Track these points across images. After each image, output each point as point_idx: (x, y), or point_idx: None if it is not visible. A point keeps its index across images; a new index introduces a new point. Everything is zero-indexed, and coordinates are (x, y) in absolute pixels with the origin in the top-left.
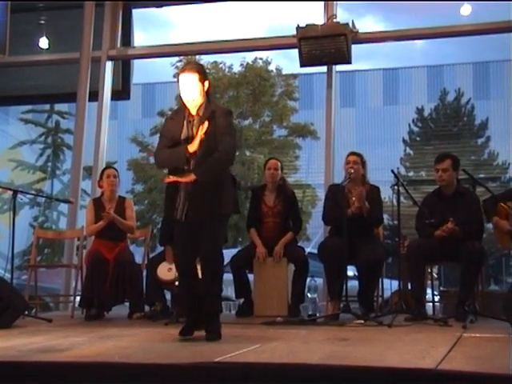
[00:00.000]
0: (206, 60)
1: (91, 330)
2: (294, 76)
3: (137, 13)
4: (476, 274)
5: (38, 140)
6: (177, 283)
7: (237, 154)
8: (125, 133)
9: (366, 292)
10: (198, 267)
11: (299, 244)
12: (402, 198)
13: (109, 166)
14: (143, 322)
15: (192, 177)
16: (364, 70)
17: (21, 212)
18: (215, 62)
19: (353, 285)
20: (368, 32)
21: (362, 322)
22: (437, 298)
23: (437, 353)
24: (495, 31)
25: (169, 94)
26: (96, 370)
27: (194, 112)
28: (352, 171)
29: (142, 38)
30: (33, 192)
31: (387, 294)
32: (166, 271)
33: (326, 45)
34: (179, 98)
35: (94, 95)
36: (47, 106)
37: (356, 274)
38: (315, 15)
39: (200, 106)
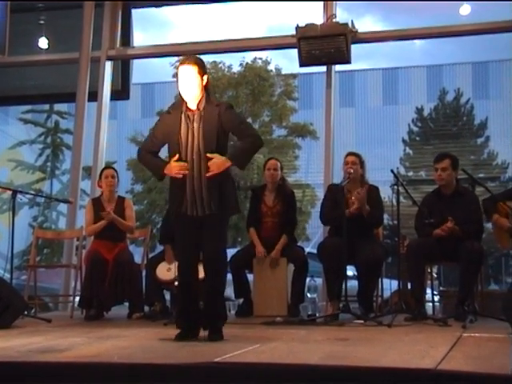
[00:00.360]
0: (205, 60)
1: (90, 330)
2: (294, 76)
3: (136, 13)
4: (475, 273)
5: (38, 140)
6: (176, 283)
7: None
8: (124, 133)
9: (366, 292)
10: (200, 268)
11: (299, 244)
12: (401, 198)
13: (108, 166)
14: (142, 322)
15: (228, 163)
16: (363, 70)
17: (20, 212)
18: (214, 61)
19: (352, 285)
20: (367, 32)
21: (362, 321)
22: (436, 298)
23: (436, 353)
24: (494, 31)
25: (168, 93)
26: (95, 370)
27: (193, 106)
28: (351, 171)
29: (141, 37)
30: (32, 192)
31: (387, 293)
32: (166, 271)
33: (325, 45)
34: (179, 95)
35: (94, 95)
36: (47, 106)
37: (355, 273)
38: (314, 15)
39: (200, 100)
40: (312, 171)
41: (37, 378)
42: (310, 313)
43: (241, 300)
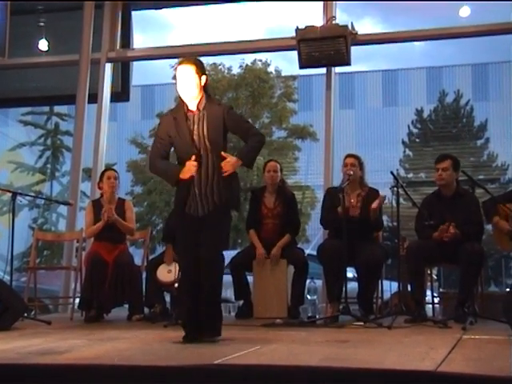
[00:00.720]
0: (205, 62)
1: (90, 332)
2: (294, 78)
3: (136, 15)
4: (475, 275)
5: (38, 142)
6: (176, 285)
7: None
8: (124, 134)
9: (366, 294)
10: None
11: (299, 246)
12: (401, 200)
13: (109, 167)
14: (142, 324)
15: (239, 162)
16: (363, 72)
17: (20, 214)
18: (214, 63)
19: (352, 286)
20: (367, 34)
21: (362, 323)
22: (436, 300)
23: (436, 355)
24: (494, 33)
25: (168, 95)
26: (95, 372)
27: (193, 107)
28: (351, 173)
29: (141, 39)
30: (32, 194)
31: (387, 295)
32: (166, 273)
33: (325, 46)
34: (178, 98)
35: (94, 97)
36: (47, 108)
37: (355, 275)
38: (314, 17)
39: (200, 101)
40: (312, 173)
41: (37, 380)
42: (309, 315)
43: (241, 302)
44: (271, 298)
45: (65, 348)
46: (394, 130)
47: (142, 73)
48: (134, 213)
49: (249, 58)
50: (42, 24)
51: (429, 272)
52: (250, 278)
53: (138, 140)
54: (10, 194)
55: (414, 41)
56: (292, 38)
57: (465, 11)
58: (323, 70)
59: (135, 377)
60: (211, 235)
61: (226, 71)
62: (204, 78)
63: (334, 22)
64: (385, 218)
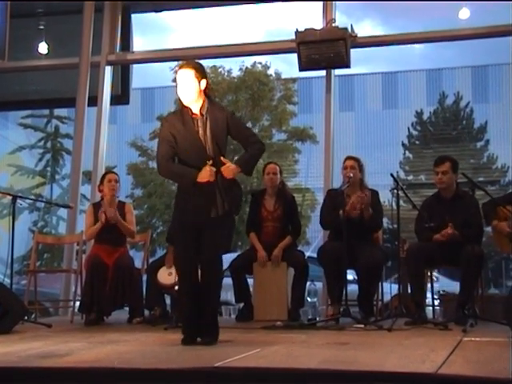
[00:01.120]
0: (204, 64)
1: (91, 335)
2: (293, 80)
3: (136, 17)
4: (476, 277)
5: (38, 145)
6: (176, 287)
7: (236, 158)
8: (124, 137)
9: (366, 296)
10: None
11: (299, 248)
12: (401, 202)
13: (110, 170)
14: (143, 327)
15: (238, 169)
16: (363, 74)
17: (20, 217)
18: (214, 66)
19: (352, 289)
20: (367, 36)
21: (362, 326)
22: (437, 302)
23: (437, 357)
24: (494, 35)
25: (168, 98)
26: (95, 375)
27: (196, 111)
28: (351, 175)
29: (141, 42)
30: (32, 197)
31: (387, 297)
32: (167, 275)
33: (324, 49)
34: (178, 101)
35: (94, 100)
36: (46, 111)
37: (356, 277)
38: (314, 19)
39: (202, 105)
40: (312, 175)
41: (37, 383)
42: (310, 317)
43: (241, 304)
44: (271, 300)
45: (65, 351)
46: (394, 132)
47: (141, 76)
48: (134, 215)
49: (249, 61)
50: (41, 27)
51: (429, 274)
52: (250, 281)
53: (138, 143)
54: (10, 197)
55: (414, 43)
56: (292, 40)
57: (464, 13)
58: (323, 73)
59: (135, 380)
60: (211, 238)
61: (226, 74)
62: (204, 82)
63: (333, 24)
64: (385, 220)
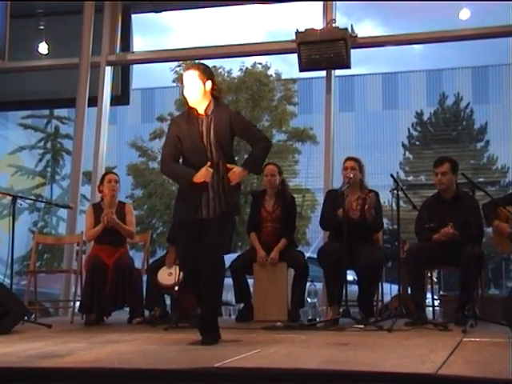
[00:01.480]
0: None
1: (91, 336)
2: (293, 81)
3: (136, 18)
4: (476, 278)
5: (38, 145)
6: (177, 288)
7: (236, 158)
8: (124, 138)
9: (366, 297)
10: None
11: (299, 249)
12: (401, 203)
13: (110, 171)
14: (143, 327)
15: (245, 172)
16: (363, 75)
17: (20, 217)
18: (214, 66)
19: (353, 289)
20: (367, 36)
21: (362, 326)
22: (437, 303)
23: (437, 357)
24: (494, 35)
25: (168, 98)
26: (96, 375)
27: (201, 111)
28: (351, 176)
29: (141, 43)
30: (32, 197)
31: (387, 298)
32: (167, 276)
33: (325, 49)
34: (179, 102)
35: (94, 100)
36: (46, 112)
37: (356, 278)
38: (314, 20)
39: (207, 106)
40: (312, 176)
41: (37, 383)
42: (310, 317)
43: (241, 305)
44: (271, 300)
45: (65, 351)
46: (394, 133)
47: (141, 76)
48: (134, 216)
49: (249, 61)
50: (42, 27)
51: (429, 275)
52: (250, 281)
53: (138, 143)
54: (10, 198)
55: (414, 43)
56: (292, 40)
57: (465, 14)
58: (323, 73)
59: (135, 380)
60: (212, 239)
61: (226, 74)
62: (209, 83)
63: (333, 24)
64: (385, 220)
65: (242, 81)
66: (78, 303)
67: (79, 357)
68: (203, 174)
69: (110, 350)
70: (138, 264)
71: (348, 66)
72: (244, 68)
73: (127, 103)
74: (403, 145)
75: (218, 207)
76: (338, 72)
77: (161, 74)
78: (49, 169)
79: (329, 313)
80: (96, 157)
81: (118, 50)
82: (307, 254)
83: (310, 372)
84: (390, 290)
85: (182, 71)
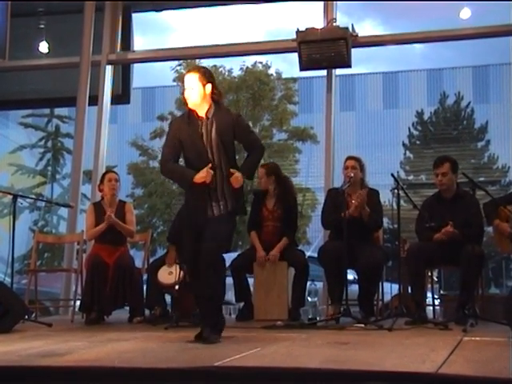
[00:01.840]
0: (205, 64)
1: (91, 335)
2: (294, 80)
3: (136, 17)
4: (476, 277)
5: (38, 144)
6: (177, 287)
7: (237, 157)
8: (125, 137)
9: (366, 296)
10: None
11: (299, 248)
12: (401, 202)
13: (110, 170)
14: (143, 326)
15: (240, 178)
16: (364, 74)
17: (21, 216)
18: (215, 65)
19: (353, 289)
20: (368, 36)
21: (363, 325)
22: (437, 302)
23: (437, 356)
24: (495, 35)
25: (169, 97)
26: (96, 374)
27: (201, 114)
28: (352, 175)
29: (141, 42)
30: (33, 196)
31: (387, 297)
32: (167, 275)
33: (325, 48)
34: (179, 101)
35: (94, 99)
36: (47, 111)
37: (356, 277)
38: (315, 19)
39: (208, 109)
40: (312, 175)
41: (37, 382)
42: (310, 316)
43: (241, 304)
44: (272, 299)
45: (65, 350)
46: (395, 132)
47: (142, 75)
48: (134, 215)
49: (249, 61)
50: (42, 26)
51: (429, 274)
52: (250, 280)
53: (138, 142)
54: (10, 197)
55: (415, 43)
56: (293, 40)
57: (465, 13)
58: (324, 72)
59: (136, 379)
60: (212, 236)
61: (227, 73)
62: (209, 86)
63: (334, 23)
64: (385, 219)
65: (242, 80)
66: (78, 302)
67: (79, 356)
68: (203, 175)
69: (111, 348)
70: (138, 263)
71: (348, 65)
72: (244, 67)
73: (128, 102)
74: (404, 144)
75: (224, 208)
76: (338, 71)
77: (161, 73)
78: (49, 168)
79: (329, 312)
80: (96, 156)
81: (118, 49)
82: (308, 253)
83: (310, 371)
84: (390, 290)
85: (182, 70)
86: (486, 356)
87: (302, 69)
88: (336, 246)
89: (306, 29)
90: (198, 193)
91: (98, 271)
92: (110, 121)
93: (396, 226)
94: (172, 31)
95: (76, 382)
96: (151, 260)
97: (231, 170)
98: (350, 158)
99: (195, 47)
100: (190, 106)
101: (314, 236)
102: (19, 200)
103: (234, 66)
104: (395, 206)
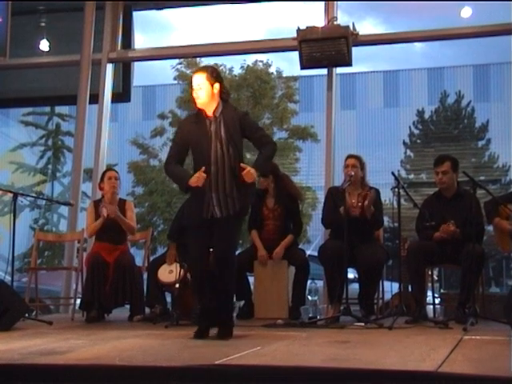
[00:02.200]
0: (205, 62)
1: (91, 333)
2: (295, 78)
3: (137, 15)
4: (476, 276)
5: (39, 142)
6: (177, 285)
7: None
8: (125, 135)
9: (367, 294)
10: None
11: (300, 246)
12: (402, 201)
13: (110, 168)
14: (143, 325)
15: (253, 172)
16: (364, 73)
17: (21, 214)
18: (216, 64)
19: (353, 287)
20: (368, 34)
21: (363, 324)
22: (437, 301)
23: (437, 355)
24: (495, 33)
25: (169, 96)
26: (96, 372)
27: (209, 113)
28: (352, 174)
29: (142, 40)
30: (33, 194)
31: (388, 296)
32: (167, 273)
33: (326, 47)
34: (180, 99)
35: (95, 98)
36: (48, 109)
37: (356, 276)
38: (315, 18)
39: (216, 108)
40: (313, 174)
41: (38, 380)
42: (310, 315)
43: (242, 302)
44: (272, 298)
45: (66, 348)
46: (395, 131)
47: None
48: (134, 213)
49: (250, 59)
50: (43, 24)
51: (429, 273)
52: (250, 279)
53: (139, 141)
54: (11, 195)
55: (416, 41)
56: (293, 38)
57: (466, 12)
58: (324, 71)
59: (136, 377)
60: (224, 238)
61: (227, 72)
62: (217, 85)
63: (335, 22)
64: (386, 218)
65: (243, 78)
66: (78, 300)
67: (80, 354)
68: (195, 180)
69: (111, 347)
70: (138, 261)
71: (349, 64)
72: (245, 66)
73: (128, 100)
74: (404, 143)
75: (232, 207)
76: (339, 70)
77: (162, 72)
78: (50, 166)
79: (329, 311)
80: (97, 154)
81: (119, 47)
82: (308, 252)
83: (310, 370)
84: (390, 288)
85: (183, 69)
86: (486, 355)
87: (302, 67)
88: (336, 244)
89: (307, 27)
90: (201, 194)
91: (99, 269)
92: (111, 119)
93: (396, 224)
94: (173, 29)
95: (76, 380)
96: (151, 258)
97: (242, 165)
98: (350, 156)
99: (196, 45)
100: (199, 105)
101: (315, 235)
102: (20, 198)
103: (234, 65)
104: (396, 205)
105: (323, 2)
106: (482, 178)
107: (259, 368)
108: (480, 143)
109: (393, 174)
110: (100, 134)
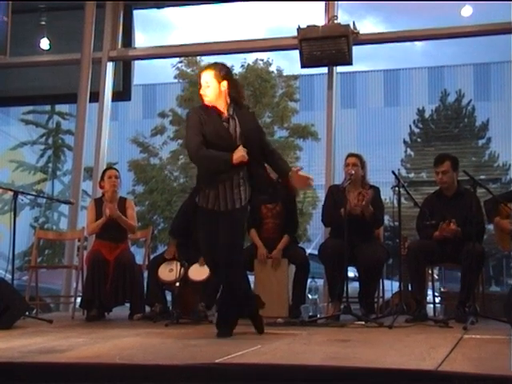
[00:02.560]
0: (206, 61)
1: (92, 331)
2: (295, 77)
3: (138, 14)
4: (476, 275)
5: (39, 141)
6: (177, 284)
7: None
8: (126, 134)
9: (367, 293)
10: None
11: (300, 245)
12: (402, 199)
13: (110, 166)
14: (144, 323)
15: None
16: (365, 71)
17: (21, 213)
18: (216, 63)
19: (353, 286)
20: (369, 33)
21: (363, 323)
22: (437, 300)
23: (437, 354)
24: (496, 32)
25: (170, 94)
26: (96, 370)
27: (223, 111)
28: (352, 172)
29: (142, 38)
30: (33, 193)
31: (388, 295)
32: (168, 272)
33: (326, 46)
34: (180, 98)
35: (95, 96)
36: (48, 107)
37: (357, 275)
38: (316, 16)
39: (226, 106)
40: (313, 172)
41: (38, 378)
42: (311, 314)
43: None
44: (272, 297)
45: (66, 347)
46: (396, 130)
47: (143, 72)
48: (135, 211)
49: (250, 58)
50: (43, 23)
51: (430, 271)
52: (251, 278)
53: (139, 139)
54: (11, 193)
55: (416, 40)
56: (294, 37)
57: (467, 11)
58: (325, 70)
59: (136, 376)
60: (228, 235)
61: None
62: (225, 83)
63: (335, 21)
64: (386, 217)
65: (243, 77)
66: (79, 299)
67: (80, 352)
68: (240, 154)
69: (111, 345)
70: (139, 260)
71: (350, 63)
72: (246, 64)
73: (129, 99)
74: (405, 142)
75: (238, 201)
76: (339, 69)
77: (162, 70)
78: (50, 164)
79: (330, 309)
80: (97, 152)
81: (119, 46)
82: (308, 251)
83: (310, 368)
84: (390, 287)
85: (183, 67)
86: (486, 354)
87: (303, 66)
88: (336, 243)
89: (307, 26)
90: (215, 184)
91: (99, 268)
92: (111, 118)
93: (397, 223)
94: (173, 28)
95: (77, 379)
96: (152, 257)
97: (289, 173)
98: (350, 155)
99: (196, 44)
100: (206, 103)
101: (315, 233)
102: (20, 197)
103: (234, 64)
104: (396, 204)
105: (324, 1)
106: (482, 176)
107: (260, 366)
108: (480, 142)
109: (393, 172)
110: (100, 132)
